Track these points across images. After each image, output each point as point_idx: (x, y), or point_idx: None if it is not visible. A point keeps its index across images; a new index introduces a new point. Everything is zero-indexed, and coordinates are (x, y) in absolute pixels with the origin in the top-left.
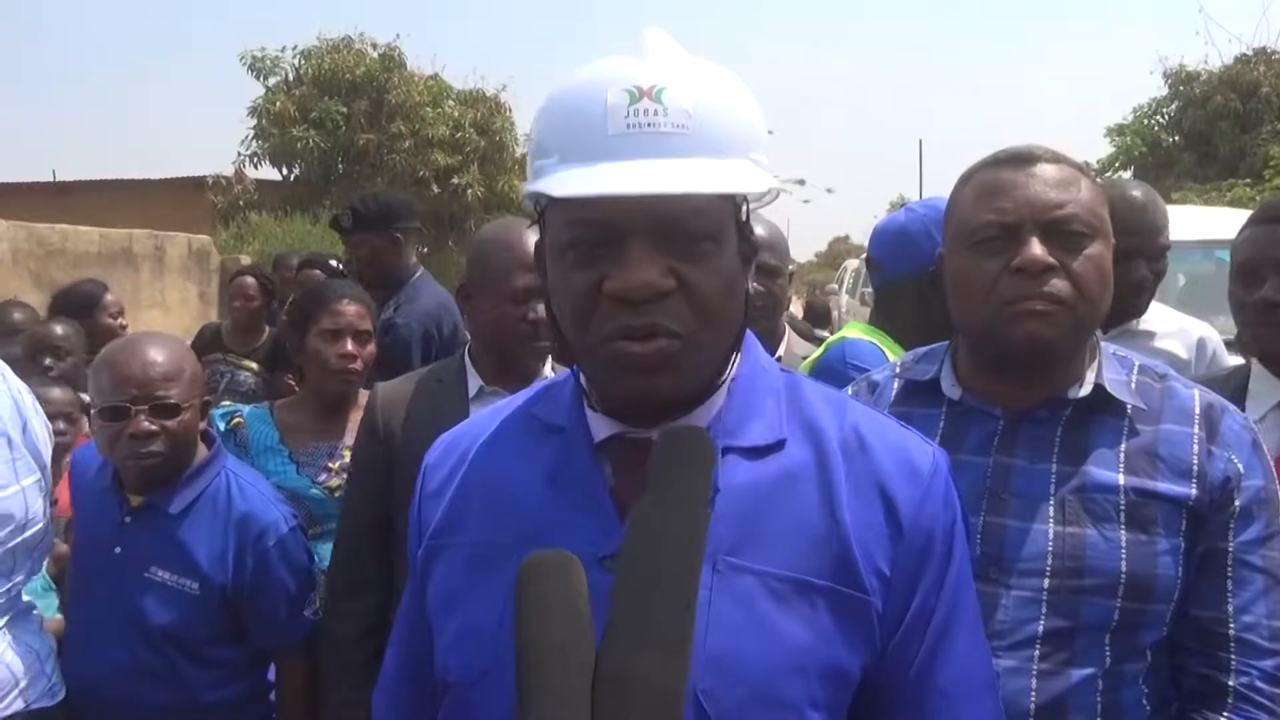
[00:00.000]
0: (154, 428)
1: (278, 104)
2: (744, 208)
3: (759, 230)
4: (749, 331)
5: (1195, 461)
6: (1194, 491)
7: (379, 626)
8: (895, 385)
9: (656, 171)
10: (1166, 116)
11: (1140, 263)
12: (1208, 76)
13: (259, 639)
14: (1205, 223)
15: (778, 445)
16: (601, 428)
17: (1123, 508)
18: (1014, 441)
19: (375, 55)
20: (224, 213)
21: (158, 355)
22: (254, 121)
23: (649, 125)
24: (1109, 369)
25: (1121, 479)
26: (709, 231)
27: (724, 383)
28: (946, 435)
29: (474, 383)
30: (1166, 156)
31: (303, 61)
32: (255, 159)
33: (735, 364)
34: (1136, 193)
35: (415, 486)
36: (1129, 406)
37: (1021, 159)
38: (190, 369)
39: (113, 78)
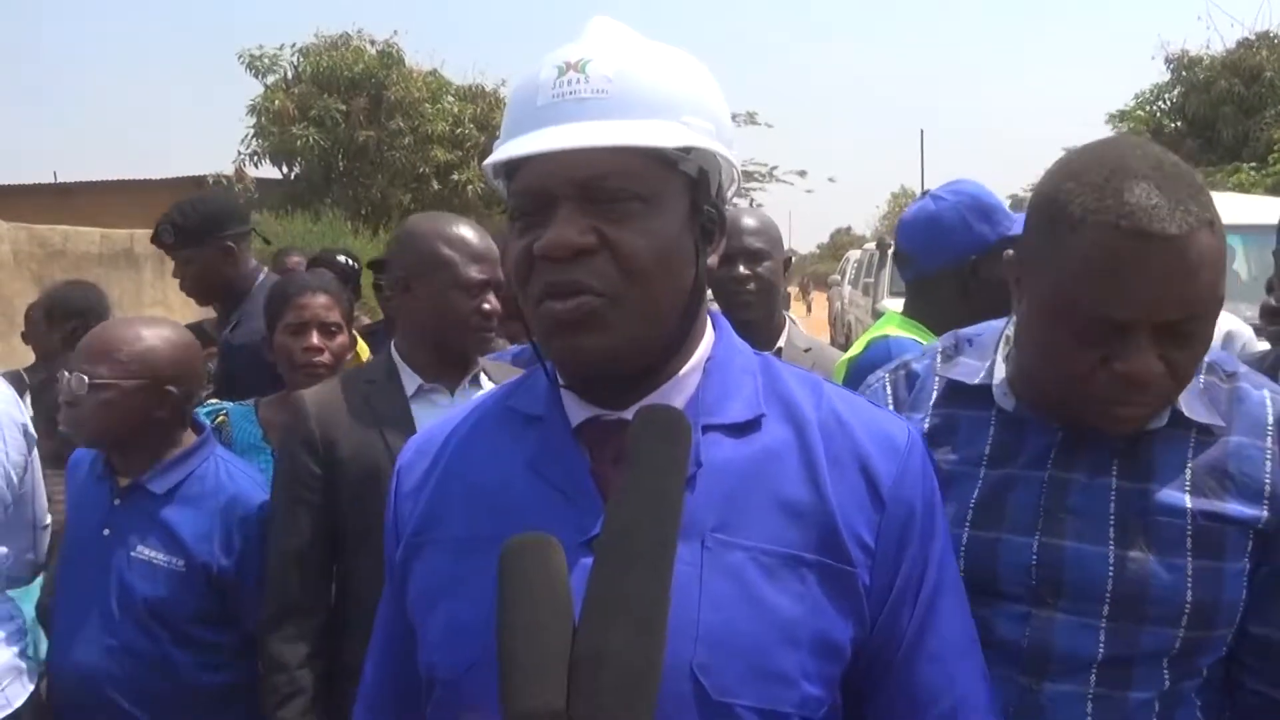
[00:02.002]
0: (69, 399)
1: (277, 102)
2: (701, 179)
3: (748, 220)
4: (717, 312)
5: (1268, 480)
6: (1265, 514)
7: (322, 646)
8: (936, 383)
9: (569, 132)
10: (1169, 102)
11: None
12: (1210, 61)
13: (248, 622)
14: None
15: (757, 422)
16: (578, 412)
17: (1190, 533)
18: (1073, 456)
19: (374, 52)
20: None
21: (105, 333)
22: (253, 120)
23: (571, 94)
24: None
25: (1189, 501)
26: (634, 192)
27: (693, 360)
28: (998, 444)
29: (410, 381)
30: (1169, 142)
31: (301, 59)
32: (255, 158)
33: (709, 343)
34: None
35: (389, 488)
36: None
37: (1147, 235)
38: (132, 350)
39: (112, 79)
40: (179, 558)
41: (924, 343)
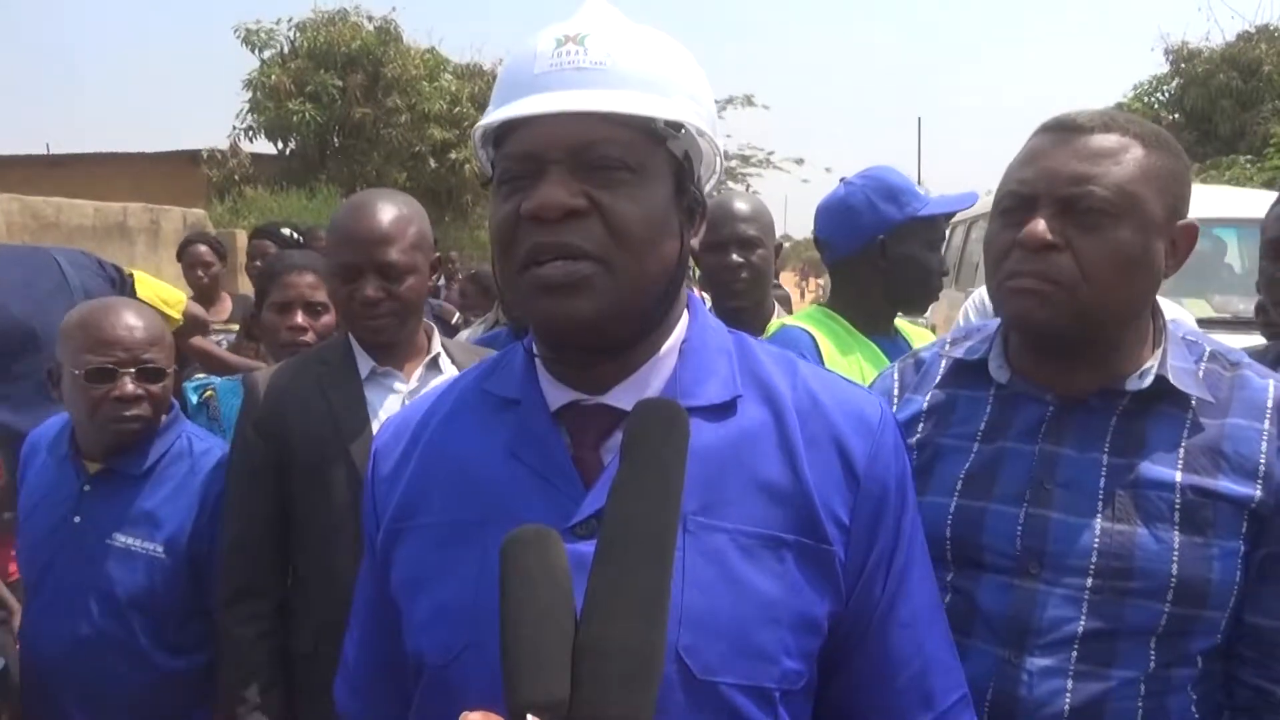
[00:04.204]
0: (140, 391)
1: (273, 77)
2: (686, 163)
3: (741, 206)
4: (692, 292)
5: (1262, 460)
6: (1258, 493)
7: (276, 626)
8: (942, 364)
9: (569, 97)
10: (1167, 94)
11: None
12: (1209, 54)
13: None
14: (1202, 201)
15: (733, 404)
16: (556, 396)
17: (1178, 507)
18: (1063, 429)
19: (371, 28)
20: (219, 187)
21: (139, 320)
22: (249, 95)
23: (569, 63)
24: (1175, 356)
25: (1179, 476)
26: (624, 161)
27: (670, 342)
28: (993, 420)
29: (364, 364)
30: None
31: (298, 34)
32: (250, 133)
33: (684, 325)
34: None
35: (366, 473)
36: (1194, 398)
37: (1063, 126)
38: (167, 336)
39: (107, 50)
40: (158, 543)
41: (814, 332)
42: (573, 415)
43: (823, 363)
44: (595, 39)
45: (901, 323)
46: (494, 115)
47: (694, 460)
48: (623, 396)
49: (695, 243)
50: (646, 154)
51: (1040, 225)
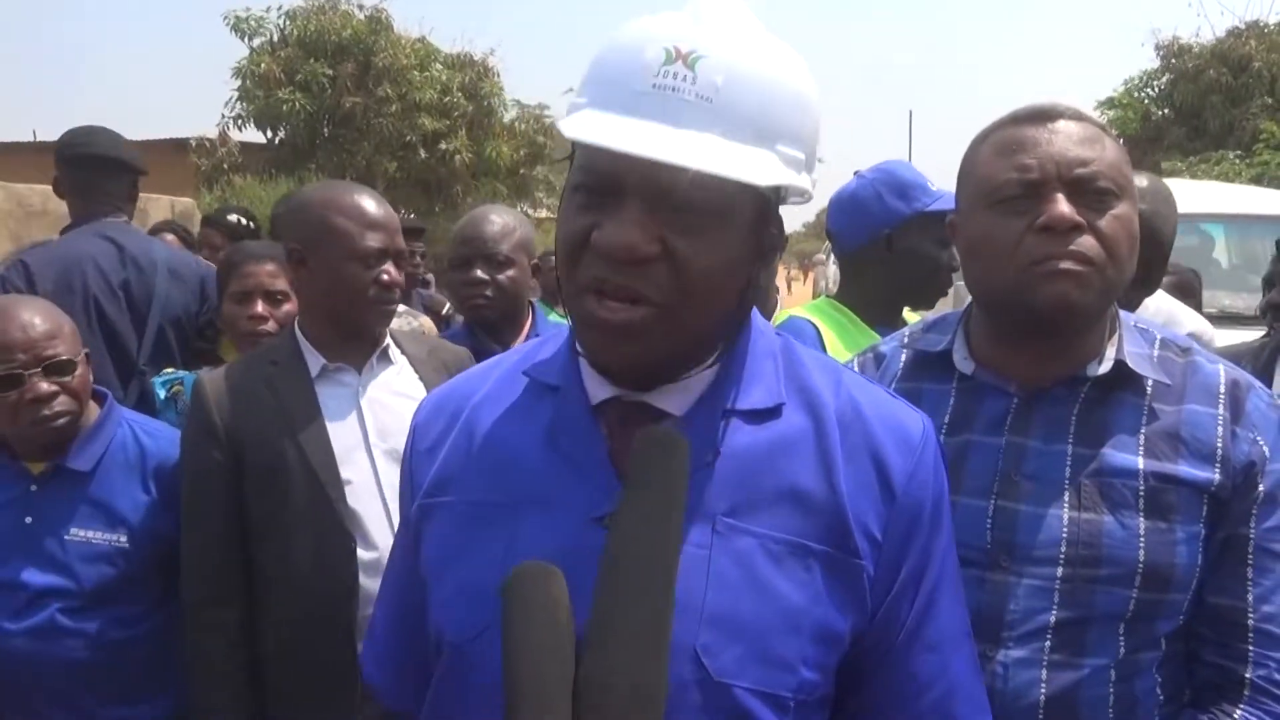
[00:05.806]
0: (53, 388)
1: (262, 65)
2: (773, 195)
3: None
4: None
5: (1219, 444)
6: (1217, 476)
7: (244, 633)
8: (903, 356)
9: (664, 138)
10: (1157, 89)
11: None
12: (1200, 50)
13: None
14: (1191, 196)
15: (777, 409)
16: (598, 389)
17: (1142, 493)
18: (1028, 421)
19: (361, 17)
20: (207, 175)
21: (33, 315)
22: (238, 83)
23: (673, 90)
24: (1130, 342)
25: (1141, 463)
26: (710, 208)
27: (720, 348)
28: (957, 412)
29: (315, 361)
30: (1156, 130)
31: (288, 22)
32: (239, 121)
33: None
34: (1143, 182)
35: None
36: (1149, 384)
37: (1043, 115)
38: (68, 325)
39: (95, 37)
40: (119, 533)
41: (819, 324)
42: (614, 408)
43: (825, 353)
44: (708, 62)
45: (910, 316)
46: (583, 131)
47: (731, 463)
48: (666, 399)
49: (763, 277)
50: (733, 199)
51: (1067, 207)
